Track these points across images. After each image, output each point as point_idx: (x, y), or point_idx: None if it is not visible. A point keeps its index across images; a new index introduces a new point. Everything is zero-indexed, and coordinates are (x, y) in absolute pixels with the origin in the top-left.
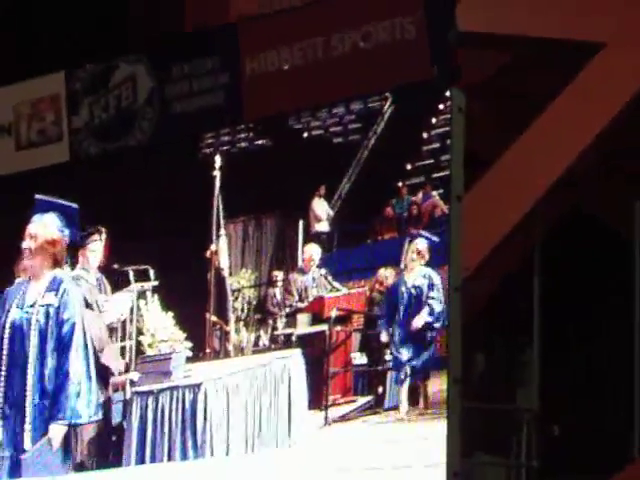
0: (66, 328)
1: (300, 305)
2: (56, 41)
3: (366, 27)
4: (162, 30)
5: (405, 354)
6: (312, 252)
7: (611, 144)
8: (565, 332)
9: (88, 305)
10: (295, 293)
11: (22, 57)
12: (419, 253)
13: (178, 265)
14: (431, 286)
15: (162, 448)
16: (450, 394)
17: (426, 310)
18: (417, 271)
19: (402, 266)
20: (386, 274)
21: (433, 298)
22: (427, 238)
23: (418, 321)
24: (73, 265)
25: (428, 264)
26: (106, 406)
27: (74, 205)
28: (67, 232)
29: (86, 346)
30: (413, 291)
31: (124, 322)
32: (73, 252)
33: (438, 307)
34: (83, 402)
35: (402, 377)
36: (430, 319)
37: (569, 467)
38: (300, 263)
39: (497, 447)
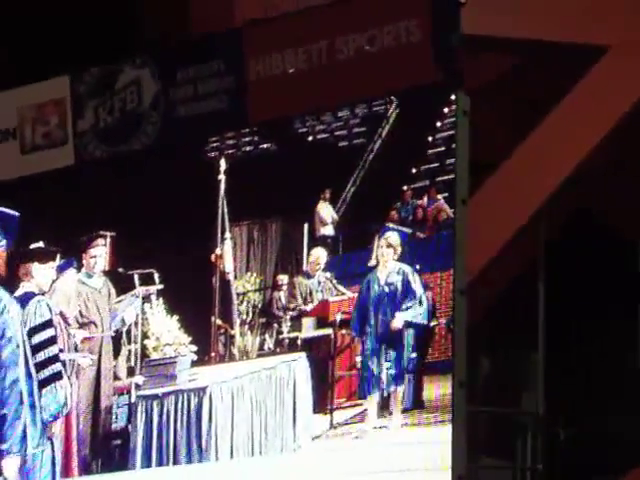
0: (8, 349)
1: (304, 308)
2: (60, 44)
3: (371, 31)
4: (167, 34)
5: (379, 359)
6: (318, 256)
7: (617, 146)
8: (570, 335)
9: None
10: (299, 296)
11: (27, 61)
12: (390, 246)
13: (183, 269)
14: (407, 284)
15: (167, 451)
16: (455, 398)
17: (408, 312)
18: (390, 267)
19: (373, 262)
20: None
21: (411, 303)
22: (398, 231)
23: (397, 321)
24: (78, 269)
25: (401, 259)
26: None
27: (14, 213)
28: (4, 242)
29: (29, 371)
30: (386, 289)
31: (129, 326)
32: (78, 256)
33: (417, 308)
34: (30, 432)
35: (378, 386)
36: (410, 318)
37: (574, 470)
38: (305, 266)
39: (502, 451)
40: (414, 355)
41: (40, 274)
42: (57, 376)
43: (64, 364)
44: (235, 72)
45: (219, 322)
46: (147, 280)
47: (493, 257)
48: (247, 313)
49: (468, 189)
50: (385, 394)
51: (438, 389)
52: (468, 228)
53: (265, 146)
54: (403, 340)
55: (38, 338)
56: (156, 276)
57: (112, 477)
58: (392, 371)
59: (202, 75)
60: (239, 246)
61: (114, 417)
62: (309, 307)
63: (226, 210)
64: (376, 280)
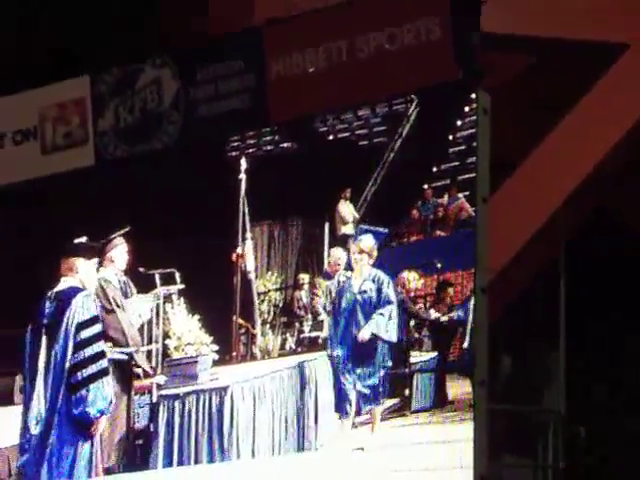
0: None
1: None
2: (80, 44)
3: (391, 29)
4: (187, 33)
5: (350, 376)
6: (338, 257)
7: (636, 145)
8: (591, 333)
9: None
10: (320, 297)
11: (47, 60)
12: (362, 252)
13: (204, 268)
14: (380, 294)
15: (189, 451)
16: (476, 396)
17: (374, 321)
18: (365, 273)
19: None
20: (408, 277)
21: (381, 314)
22: (374, 232)
23: (364, 333)
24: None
25: (375, 265)
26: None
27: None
28: None
29: None
30: (359, 297)
31: (150, 325)
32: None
33: (384, 321)
34: None
35: (349, 406)
36: (377, 330)
37: (595, 467)
38: (326, 267)
39: (523, 449)
40: (383, 371)
41: (84, 270)
42: (104, 372)
43: None
44: (255, 71)
45: (240, 321)
46: (168, 280)
47: (513, 256)
48: (268, 312)
49: (489, 188)
50: (362, 414)
51: (459, 388)
52: (489, 226)
53: (286, 145)
54: (375, 355)
55: (86, 333)
56: (177, 276)
57: (134, 477)
58: (365, 390)
59: (222, 74)
60: (260, 245)
61: (136, 417)
62: (329, 307)
63: (247, 209)
64: (349, 288)
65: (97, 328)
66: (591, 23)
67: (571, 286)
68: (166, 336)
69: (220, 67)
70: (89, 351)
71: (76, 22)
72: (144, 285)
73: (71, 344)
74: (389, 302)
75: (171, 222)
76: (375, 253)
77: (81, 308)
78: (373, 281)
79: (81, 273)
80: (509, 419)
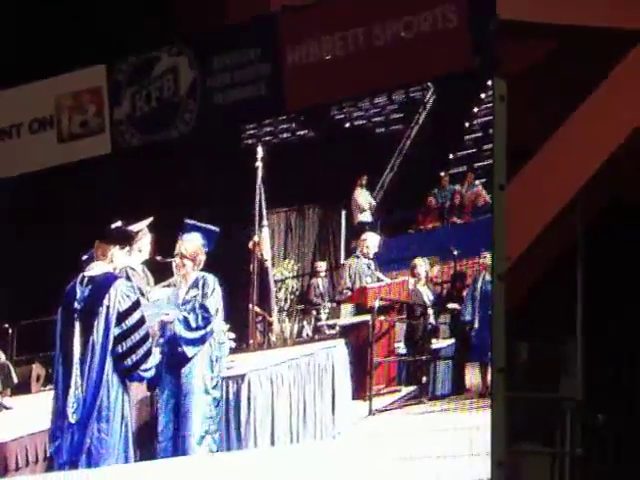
0: None
1: (343, 294)
2: (97, 33)
3: (408, 17)
4: (203, 21)
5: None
6: (372, 239)
7: None
8: (608, 321)
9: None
10: (348, 279)
11: (64, 49)
12: (184, 257)
13: (220, 256)
14: (204, 297)
15: None
16: (494, 383)
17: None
18: (189, 281)
19: (174, 278)
20: (421, 263)
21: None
22: (203, 230)
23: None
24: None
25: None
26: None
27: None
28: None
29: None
30: (182, 310)
31: None
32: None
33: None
34: None
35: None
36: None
37: (613, 456)
38: (357, 250)
39: (541, 436)
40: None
41: (118, 257)
42: (149, 352)
43: None
44: (272, 59)
45: (257, 309)
46: None
47: (530, 243)
48: (285, 300)
49: (506, 175)
50: None
51: (477, 375)
52: (506, 214)
53: (302, 133)
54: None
55: (131, 320)
56: None
57: (152, 465)
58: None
59: (239, 62)
60: (277, 233)
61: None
62: (348, 293)
63: (263, 197)
64: (174, 301)
65: (139, 313)
66: (608, 10)
67: (589, 273)
68: None
69: (236, 55)
70: (136, 336)
71: (92, 9)
72: (161, 273)
73: (112, 333)
74: (210, 316)
75: (187, 211)
76: (202, 257)
77: (121, 296)
78: (197, 287)
79: (115, 261)
80: (527, 406)
